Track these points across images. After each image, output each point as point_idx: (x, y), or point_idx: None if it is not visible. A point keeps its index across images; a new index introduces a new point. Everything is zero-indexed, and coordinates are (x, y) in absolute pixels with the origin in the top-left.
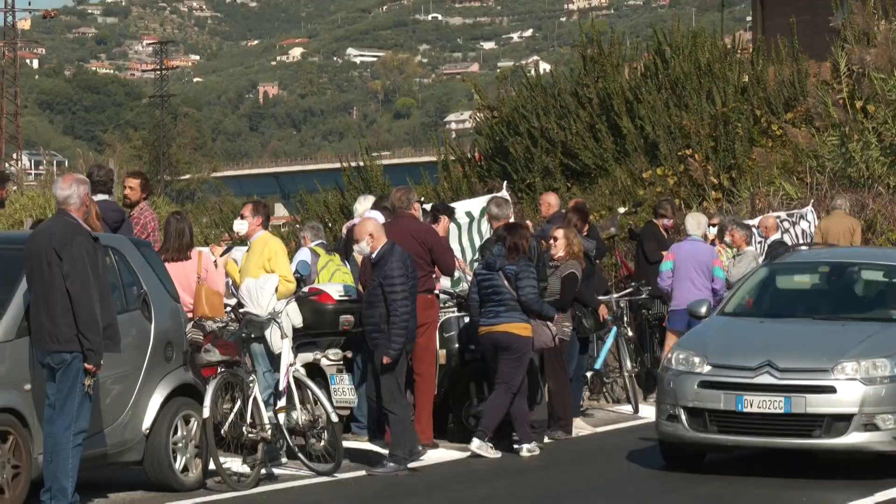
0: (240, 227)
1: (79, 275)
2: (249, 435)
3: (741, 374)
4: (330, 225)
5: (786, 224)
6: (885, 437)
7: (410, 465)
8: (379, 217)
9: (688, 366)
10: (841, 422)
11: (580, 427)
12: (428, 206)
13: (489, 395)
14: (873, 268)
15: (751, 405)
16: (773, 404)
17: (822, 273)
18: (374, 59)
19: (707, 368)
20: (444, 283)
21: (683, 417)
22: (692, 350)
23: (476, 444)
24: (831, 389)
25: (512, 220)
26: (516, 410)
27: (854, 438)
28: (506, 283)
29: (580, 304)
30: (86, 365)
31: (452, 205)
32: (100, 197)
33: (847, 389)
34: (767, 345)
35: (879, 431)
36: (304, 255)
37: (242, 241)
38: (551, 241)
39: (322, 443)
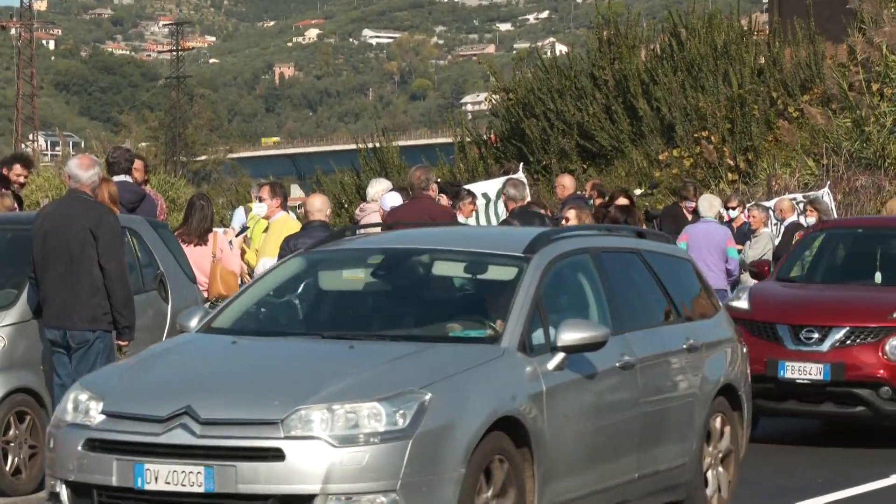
0: (259, 209)
1: (115, 253)
2: None
3: (144, 429)
4: (346, 206)
5: (801, 206)
6: None
7: None
8: (397, 199)
9: (83, 414)
10: None
11: None
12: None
13: None
14: (449, 257)
15: (155, 479)
16: (188, 478)
17: (374, 266)
18: (390, 40)
19: (100, 419)
20: None
21: (65, 497)
22: (92, 389)
23: None
24: (277, 454)
25: (528, 201)
26: None
27: None
28: None
29: None
30: (120, 342)
31: (469, 186)
32: (117, 178)
33: (304, 454)
34: (197, 381)
35: None
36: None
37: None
38: (563, 222)
39: None
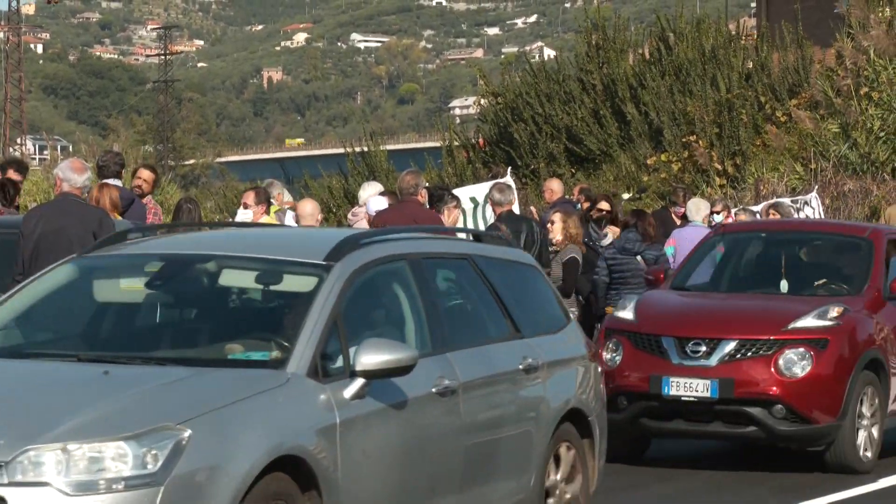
0: (244, 216)
1: None
2: None
3: None
4: (334, 210)
5: (790, 210)
6: None
7: None
8: (383, 203)
9: None
10: None
11: None
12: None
13: None
14: (239, 265)
15: None
16: None
17: (152, 274)
18: (379, 44)
19: None
20: None
21: None
22: None
23: None
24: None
25: (515, 205)
26: None
27: None
28: (645, 266)
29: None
30: None
31: (456, 191)
32: (111, 181)
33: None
34: None
35: None
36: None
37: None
38: (548, 226)
39: None
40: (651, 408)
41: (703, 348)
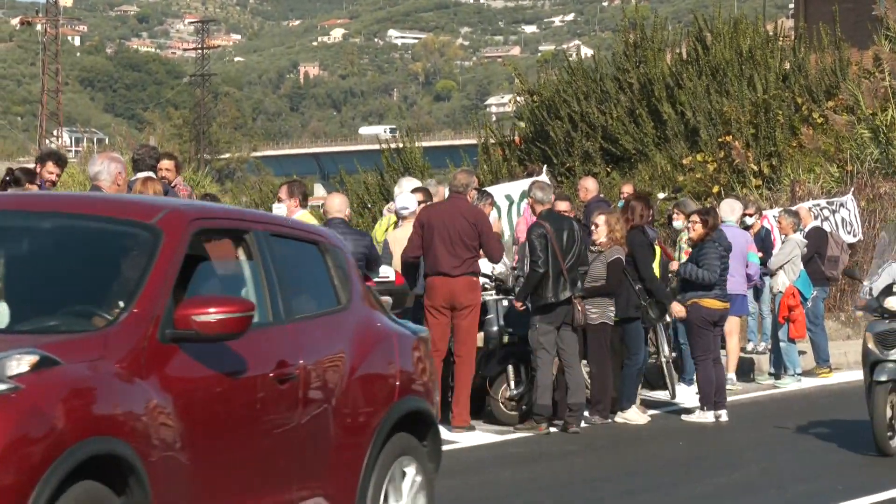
0: (279, 210)
1: None
2: None
3: None
4: (369, 206)
5: (825, 212)
6: None
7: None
8: (412, 200)
9: None
10: None
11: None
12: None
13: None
14: None
15: None
16: None
17: None
18: (416, 41)
19: None
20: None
21: None
22: None
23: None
24: None
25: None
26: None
27: None
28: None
29: (647, 293)
30: None
31: (491, 188)
32: (143, 174)
33: None
34: None
35: None
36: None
37: None
38: (593, 227)
39: None
40: None
41: None
